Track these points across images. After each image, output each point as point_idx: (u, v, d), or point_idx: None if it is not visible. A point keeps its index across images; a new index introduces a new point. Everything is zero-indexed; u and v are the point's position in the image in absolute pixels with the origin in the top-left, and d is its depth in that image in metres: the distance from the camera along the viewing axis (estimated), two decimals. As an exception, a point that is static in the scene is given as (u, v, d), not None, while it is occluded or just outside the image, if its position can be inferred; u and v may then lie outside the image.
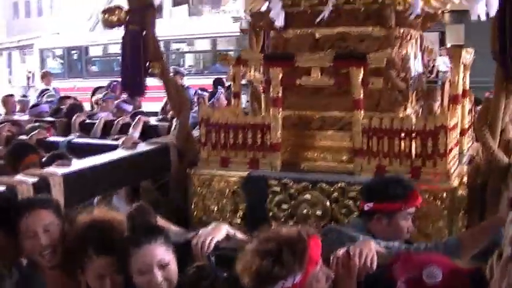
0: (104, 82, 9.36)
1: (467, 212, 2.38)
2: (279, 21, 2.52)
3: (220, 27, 11.52)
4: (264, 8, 2.81)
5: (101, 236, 1.78)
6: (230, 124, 2.66)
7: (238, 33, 6.33)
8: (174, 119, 3.48)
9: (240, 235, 1.99)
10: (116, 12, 2.63)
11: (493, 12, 2.42)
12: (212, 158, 2.69)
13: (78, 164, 2.42)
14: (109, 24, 2.65)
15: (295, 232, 1.60)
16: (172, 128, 3.63)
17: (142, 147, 2.84)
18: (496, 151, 2.31)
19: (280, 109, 2.58)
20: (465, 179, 2.45)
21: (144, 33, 2.66)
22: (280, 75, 2.55)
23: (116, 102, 5.70)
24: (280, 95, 2.56)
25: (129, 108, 5.35)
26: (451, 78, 2.78)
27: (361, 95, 2.44)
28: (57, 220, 1.88)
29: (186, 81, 8.59)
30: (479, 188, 2.40)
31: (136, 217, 1.83)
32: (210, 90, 6.42)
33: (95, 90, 10.28)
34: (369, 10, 2.60)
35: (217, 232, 1.93)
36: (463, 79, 2.87)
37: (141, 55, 2.64)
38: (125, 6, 2.70)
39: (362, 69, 2.42)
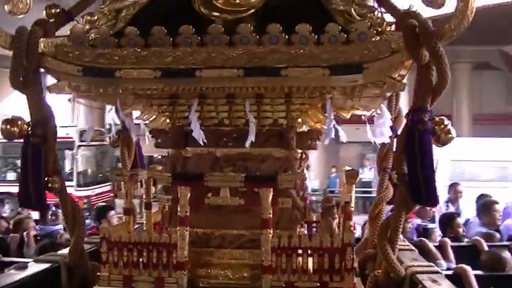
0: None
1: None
2: (201, 140, 2.57)
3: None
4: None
5: None
6: (134, 242, 2.61)
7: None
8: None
9: None
10: (18, 123, 2.53)
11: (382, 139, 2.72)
12: (114, 277, 2.61)
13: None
14: (9, 136, 2.52)
15: None
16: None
17: (33, 267, 2.68)
18: (396, 264, 2.52)
19: (188, 228, 2.59)
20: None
21: (45, 146, 2.57)
22: (189, 195, 2.58)
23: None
24: (188, 213, 2.58)
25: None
26: (347, 198, 3.02)
27: (270, 215, 2.55)
28: None
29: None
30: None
31: None
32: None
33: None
34: (270, 132, 2.75)
35: None
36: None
37: (42, 169, 2.54)
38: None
39: (272, 190, 2.54)
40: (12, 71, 2.48)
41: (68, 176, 12.92)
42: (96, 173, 14.91)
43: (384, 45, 2.33)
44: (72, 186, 12.82)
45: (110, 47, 2.43)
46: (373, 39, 2.33)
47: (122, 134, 3.28)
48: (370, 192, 13.75)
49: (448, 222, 5.40)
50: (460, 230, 5.29)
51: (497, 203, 5.78)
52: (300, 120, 2.81)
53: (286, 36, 2.34)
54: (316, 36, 2.34)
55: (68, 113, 15.88)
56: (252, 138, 2.57)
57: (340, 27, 2.36)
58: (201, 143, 2.57)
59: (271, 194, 2.53)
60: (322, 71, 2.35)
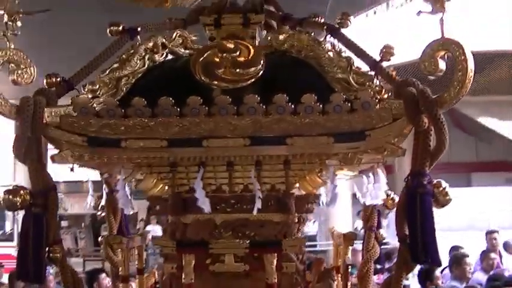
0: None
1: None
2: (206, 208, 2.59)
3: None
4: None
5: None
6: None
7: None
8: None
9: None
10: (20, 193, 2.50)
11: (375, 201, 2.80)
12: None
13: None
14: (12, 207, 2.49)
15: None
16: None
17: None
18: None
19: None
20: None
21: (46, 215, 2.54)
22: (193, 262, 2.58)
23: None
24: (192, 280, 2.58)
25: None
26: (349, 261, 3.07)
27: (275, 280, 2.56)
28: None
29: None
30: None
31: None
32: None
33: None
34: (268, 197, 2.79)
35: None
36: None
37: (43, 239, 2.51)
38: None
39: (276, 256, 2.57)
40: (16, 141, 2.46)
41: (9, 237, 12.63)
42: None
43: (385, 112, 2.42)
44: (13, 246, 12.48)
45: (116, 117, 2.45)
46: (376, 107, 2.42)
47: (107, 198, 3.27)
48: (315, 246, 13.91)
49: (427, 275, 5.48)
50: (440, 282, 5.39)
51: (467, 256, 5.92)
52: (297, 185, 2.86)
53: (292, 106, 2.41)
54: (321, 106, 2.41)
55: (9, 172, 15.49)
56: (258, 205, 2.60)
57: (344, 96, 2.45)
58: (207, 211, 2.59)
59: (276, 259, 2.55)
60: (327, 139, 2.43)
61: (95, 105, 2.53)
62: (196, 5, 3.14)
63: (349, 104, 2.43)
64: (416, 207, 2.41)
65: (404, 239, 2.47)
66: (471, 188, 16.95)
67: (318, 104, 2.42)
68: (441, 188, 2.46)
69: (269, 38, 2.92)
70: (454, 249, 6.49)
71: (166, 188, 2.85)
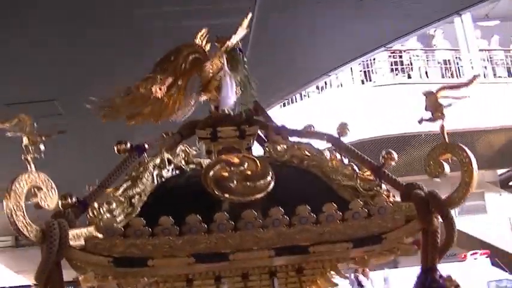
0: None
1: None
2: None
3: None
4: None
5: None
6: None
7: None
8: None
9: None
10: None
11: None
12: None
13: None
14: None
15: None
16: None
17: None
18: None
19: None
20: None
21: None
22: None
23: None
24: None
25: None
26: None
27: None
28: None
29: None
30: None
31: None
32: None
33: None
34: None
35: None
36: None
37: None
38: None
39: None
40: (42, 267, 2.42)
41: None
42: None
43: (399, 215, 2.61)
44: None
45: (142, 237, 2.48)
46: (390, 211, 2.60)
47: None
48: None
49: None
50: None
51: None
52: (308, 288, 2.95)
53: (314, 216, 2.54)
54: (340, 214, 2.56)
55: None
56: None
57: (362, 203, 2.61)
58: None
59: None
60: (347, 245, 2.57)
61: (117, 225, 2.54)
62: (188, 119, 3.25)
63: (367, 210, 2.58)
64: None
65: None
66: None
67: (338, 212, 2.56)
68: (452, 281, 2.63)
69: (267, 148, 3.05)
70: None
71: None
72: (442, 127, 2.64)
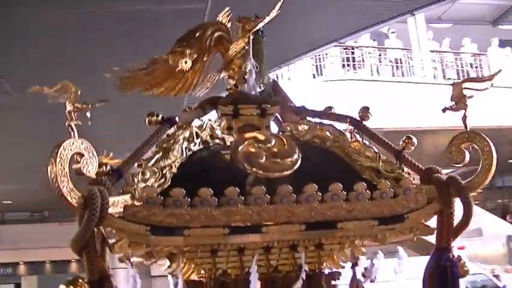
0: None
1: None
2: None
3: None
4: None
5: None
6: None
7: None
8: None
9: None
10: (79, 282, 2.49)
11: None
12: None
13: None
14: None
15: None
16: None
17: None
18: None
19: None
20: None
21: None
22: None
23: None
24: None
25: None
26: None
27: None
28: None
29: None
30: None
31: None
32: None
33: None
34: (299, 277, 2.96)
35: None
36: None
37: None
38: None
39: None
40: (81, 233, 2.44)
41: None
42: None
43: (421, 197, 2.75)
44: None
45: (181, 207, 2.53)
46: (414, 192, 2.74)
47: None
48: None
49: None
50: None
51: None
52: (325, 264, 3.06)
53: (345, 194, 2.66)
54: (369, 192, 2.68)
55: None
56: (299, 285, 2.77)
57: (389, 184, 2.74)
58: None
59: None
60: (373, 222, 2.69)
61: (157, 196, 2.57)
62: (207, 94, 3.30)
63: (393, 191, 2.71)
64: (447, 279, 2.74)
65: None
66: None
67: (367, 191, 2.68)
68: (462, 261, 2.80)
69: (288, 128, 3.15)
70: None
71: (202, 272, 2.92)
72: (465, 117, 2.80)
